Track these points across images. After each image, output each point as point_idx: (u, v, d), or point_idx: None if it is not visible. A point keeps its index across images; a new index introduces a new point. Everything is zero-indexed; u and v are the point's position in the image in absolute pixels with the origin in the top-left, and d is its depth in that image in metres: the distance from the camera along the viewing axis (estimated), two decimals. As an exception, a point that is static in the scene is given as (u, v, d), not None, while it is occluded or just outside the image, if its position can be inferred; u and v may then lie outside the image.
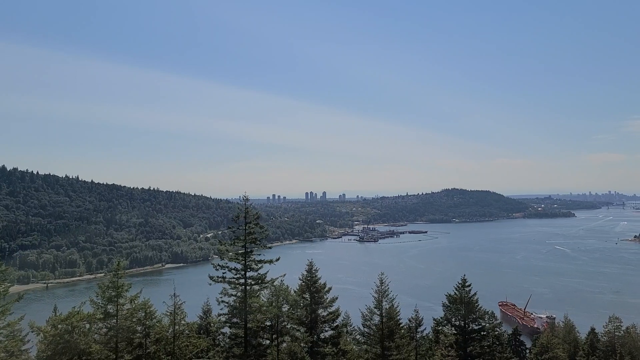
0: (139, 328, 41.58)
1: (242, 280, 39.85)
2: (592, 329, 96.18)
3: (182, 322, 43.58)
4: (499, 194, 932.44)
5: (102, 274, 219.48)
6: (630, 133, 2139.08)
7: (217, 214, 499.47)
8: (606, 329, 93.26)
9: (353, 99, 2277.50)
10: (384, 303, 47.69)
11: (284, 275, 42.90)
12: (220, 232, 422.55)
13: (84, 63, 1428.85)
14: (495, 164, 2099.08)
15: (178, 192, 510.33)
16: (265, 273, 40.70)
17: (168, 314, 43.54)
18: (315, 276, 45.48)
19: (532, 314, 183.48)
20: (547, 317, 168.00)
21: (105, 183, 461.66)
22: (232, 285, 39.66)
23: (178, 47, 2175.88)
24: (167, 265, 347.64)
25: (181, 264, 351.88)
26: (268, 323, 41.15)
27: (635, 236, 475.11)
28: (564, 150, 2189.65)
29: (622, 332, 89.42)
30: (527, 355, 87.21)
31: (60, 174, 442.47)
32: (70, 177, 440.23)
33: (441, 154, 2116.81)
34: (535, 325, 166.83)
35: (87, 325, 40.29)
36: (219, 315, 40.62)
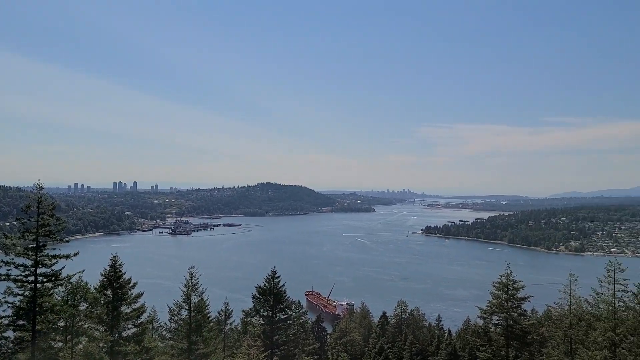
0: None
1: (32, 278, 35.55)
2: (384, 313, 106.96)
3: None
4: (310, 189, 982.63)
5: None
6: (421, 138, 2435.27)
7: (5, 203, 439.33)
8: (395, 312, 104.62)
9: (169, 87, 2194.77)
10: (193, 297, 46.80)
11: (83, 270, 39.40)
12: (8, 224, 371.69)
13: None
14: (309, 159, 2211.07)
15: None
16: (61, 269, 36.88)
17: None
18: (120, 271, 42.61)
19: (334, 301, 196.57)
20: (347, 304, 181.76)
21: None
22: (19, 284, 35.14)
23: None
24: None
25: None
26: (62, 324, 37.36)
27: (422, 229, 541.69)
28: (368, 151, 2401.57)
29: (407, 315, 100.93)
30: (327, 340, 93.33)
31: None
32: None
33: (259, 148, 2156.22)
34: (337, 312, 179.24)
35: None
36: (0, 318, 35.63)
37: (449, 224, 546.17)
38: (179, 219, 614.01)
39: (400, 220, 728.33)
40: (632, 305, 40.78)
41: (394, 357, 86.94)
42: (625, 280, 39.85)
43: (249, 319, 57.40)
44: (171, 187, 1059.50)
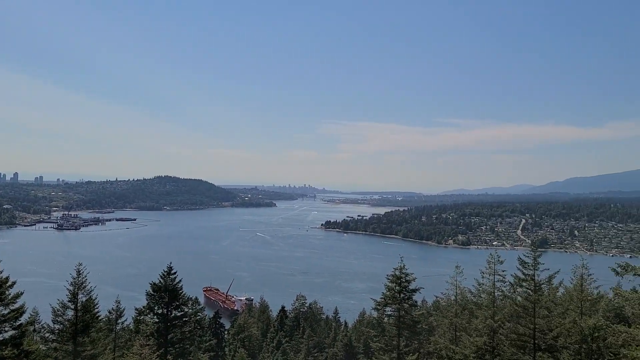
0: None
1: None
2: (283, 307, 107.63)
3: None
4: (210, 183, 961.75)
5: None
6: (323, 135, 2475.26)
7: None
8: (294, 307, 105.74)
9: (58, 71, 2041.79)
10: (80, 295, 43.91)
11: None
12: None
13: None
14: (211, 153, 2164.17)
15: None
16: None
17: None
18: (-5, 269, 38.91)
19: (233, 297, 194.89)
20: (246, 299, 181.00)
21: None
22: None
23: None
24: None
25: None
26: None
27: (322, 224, 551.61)
28: (271, 146, 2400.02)
29: (306, 308, 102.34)
30: (225, 336, 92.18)
31: None
32: None
33: (157, 140, 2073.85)
34: (236, 308, 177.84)
35: None
36: None
37: (348, 219, 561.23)
38: (66, 213, 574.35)
39: (300, 215, 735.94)
40: (509, 294, 44.37)
41: (291, 350, 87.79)
42: (503, 271, 43.22)
43: (142, 317, 55.06)
44: (58, 179, 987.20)
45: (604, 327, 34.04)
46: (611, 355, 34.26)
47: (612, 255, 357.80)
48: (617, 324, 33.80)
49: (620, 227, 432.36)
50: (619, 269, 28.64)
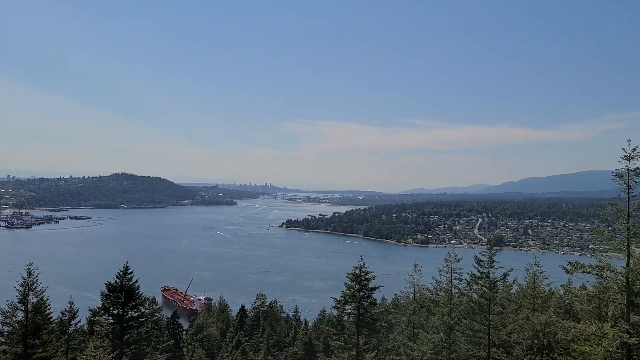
0: None
1: None
2: (242, 307, 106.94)
3: None
4: (169, 181, 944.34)
5: None
6: (285, 133, 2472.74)
7: None
8: (254, 306, 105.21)
9: (9, 62, 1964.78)
10: (31, 296, 42.42)
11: None
12: None
13: None
14: (171, 151, 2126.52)
15: None
16: None
17: None
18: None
19: (192, 296, 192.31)
20: (205, 298, 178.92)
21: None
22: None
23: None
24: None
25: None
26: None
27: (283, 223, 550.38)
28: (233, 144, 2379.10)
29: (266, 307, 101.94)
30: (183, 336, 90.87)
31: None
32: None
33: (114, 136, 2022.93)
34: (194, 307, 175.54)
35: None
36: None
37: (309, 217, 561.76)
38: (17, 211, 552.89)
39: (261, 214, 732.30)
40: (466, 292, 45.42)
41: (251, 349, 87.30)
42: (460, 269, 44.20)
43: (96, 318, 53.63)
44: (8, 175, 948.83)
45: (555, 322, 35.22)
46: (561, 349, 35.51)
47: (564, 253, 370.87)
48: (567, 320, 35.02)
49: (571, 226, 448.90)
50: (569, 267, 29.65)
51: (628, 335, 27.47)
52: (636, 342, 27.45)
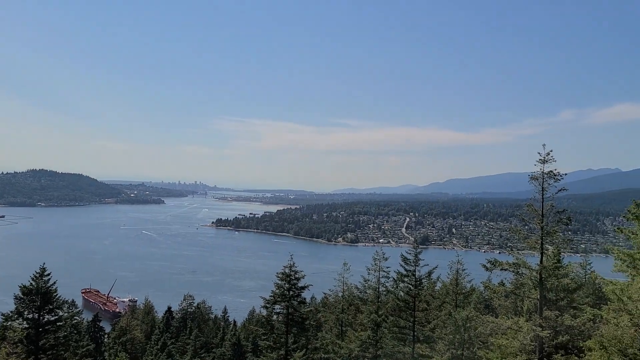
0: None
1: None
2: (169, 308, 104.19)
3: None
4: (92, 178, 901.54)
5: None
6: (216, 130, 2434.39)
7: None
8: (181, 307, 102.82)
9: None
10: None
11: None
12: None
13: None
14: (93, 146, 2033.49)
15: None
16: None
17: None
18: None
19: (115, 298, 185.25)
20: (129, 300, 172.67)
21: None
22: None
23: None
24: None
25: None
26: None
27: (212, 222, 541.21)
28: (160, 140, 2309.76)
29: (193, 308, 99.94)
30: (105, 340, 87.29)
31: None
32: None
33: (30, 130, 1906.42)
34: (118, 310, 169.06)
35: None
36: None
37: (240, 216, 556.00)
38: None
39: (190, 213, 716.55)
40: (392, 289, 46.59)
41: (177, 352, 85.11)
42: (387, 267, 45.31)
43: (9, 323, 50.34)
44: None
45: (475, 318, 36.83)
46: (481, 343, 37.19)
47: (485, 252, 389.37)
48: (486, 315, 36.76)
49: (492, 225, 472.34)
50: (488, 265, 31.19)
51: (540, 329, 29.20)
52: (548, 335, 29.23)
